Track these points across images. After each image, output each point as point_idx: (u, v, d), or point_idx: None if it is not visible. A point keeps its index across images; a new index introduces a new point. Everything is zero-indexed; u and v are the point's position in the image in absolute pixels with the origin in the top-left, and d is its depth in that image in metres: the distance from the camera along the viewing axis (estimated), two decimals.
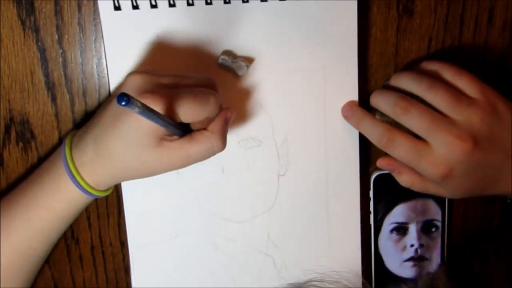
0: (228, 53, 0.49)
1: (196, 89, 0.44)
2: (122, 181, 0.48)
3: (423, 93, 0.48)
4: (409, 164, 0.48)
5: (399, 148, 0.48)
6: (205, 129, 0.45)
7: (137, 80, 0.43)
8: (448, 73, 0.49)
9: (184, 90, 0.43)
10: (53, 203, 0.46)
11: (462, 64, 0.54)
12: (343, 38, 0.51)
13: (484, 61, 0.55)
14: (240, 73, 0.49)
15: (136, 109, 0.36)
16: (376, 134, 0.49)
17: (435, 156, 0.47)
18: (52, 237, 0.48)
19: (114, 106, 0.44)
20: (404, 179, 0.51)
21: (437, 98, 0.47)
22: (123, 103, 0.34)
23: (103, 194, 0.47)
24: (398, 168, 0.51)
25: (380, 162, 0.52)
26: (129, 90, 0.42)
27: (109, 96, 0.49)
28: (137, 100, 0.36)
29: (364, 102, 0.54)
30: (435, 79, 0.49)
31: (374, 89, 0.54)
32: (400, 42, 0.53)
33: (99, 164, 0.44)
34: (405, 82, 0.50)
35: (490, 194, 0.50)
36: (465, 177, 0.48)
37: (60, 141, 0.51)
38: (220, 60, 0.49)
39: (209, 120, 0.45)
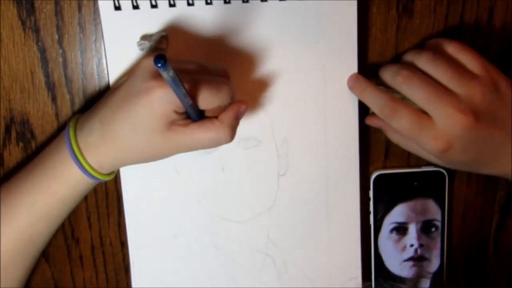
0: (144, 38, 0.48)
1: (211, 76, 0.44)
2: (126, 165, 0.48)
3: (425, 65, 0.48)
4: (409, 136, 0.48)
5: (401, 119, 0.47)
6: (216, 118, 0.45)
7: (149, 63, 0.43)
8: (451, 48, 0.49)
9: (199, 76, 0.44)
10: (56, 187, 0.46)
11: None
12: (343, 38, 0.51)
13: None
14: (160, 45, 0.48)
15: (171, 73, 0.37)
16: (379, 104, 0.48)
17: (436, 130, 0.46)
18: (55, 222, 0.48)
19: (126, 88, 0.44)
20: (391, 136, 0.52)
21: (438, 71, 0.47)
22: (159, 64, 0.36)
23: (105, 178, 0.47)
24: (385, 125, 0.51)
25: (368, 120, 0.53)
26: (145, 72, 0.43)
27: (118, 79, 0.49)
28: (170, 66, 0.37)
29: (362, 102, 0.54)
30: (437, 52, 0.49)
31: None
32: (400, 42, 0.53)
33: (104, 145, 0.44)
34: (408, 56, 0.50)
35: (486, 172, 0.50)
36: (463, 152, 0.47)
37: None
38: (139, 47, 0.48)
39: (221, 109, 0.45)
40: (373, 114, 0.51)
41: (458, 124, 0.46)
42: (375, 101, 0.49)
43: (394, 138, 0.52)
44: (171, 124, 0.43)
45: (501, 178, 0.58)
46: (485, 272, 0.62)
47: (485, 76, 0.47)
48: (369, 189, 0.56)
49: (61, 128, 0.51)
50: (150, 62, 0.43)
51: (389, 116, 0.48)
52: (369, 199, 0.56)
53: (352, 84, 0.52)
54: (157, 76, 0.42)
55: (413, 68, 0.48)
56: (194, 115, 0.44)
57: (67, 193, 0.46)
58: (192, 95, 0.42)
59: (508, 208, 0.59)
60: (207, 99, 0.43)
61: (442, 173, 0.56)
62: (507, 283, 0.62)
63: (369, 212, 0.57)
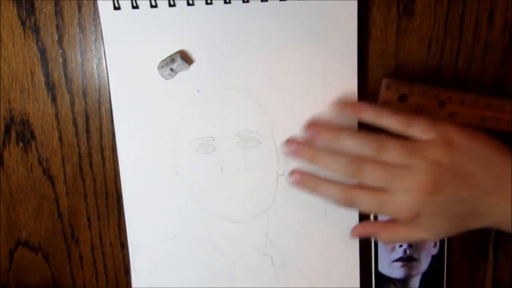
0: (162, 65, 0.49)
1: None
2: None
3: (376, 154, 0.47)
4: (379, 213, 0.49)
5: (362, 204, 0.48)
6: None
7: None
8: (397, 124, 0.48)
9: None
10: None
11: (462, 64, 0.54)
12: (343, 38, 0.51)
13: (484, 61, 0.55)
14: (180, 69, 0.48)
15: None
16: (336, 195, 0.49)
17: (398, 202, 0.46)
18: None
19: None
20: (384, 238, 0.52)
21: (390, 155, 0.46)
22: None
23: None
24: (373, 231, 0.52)
25: (354, 233, 0.54)
26: None
27: None
28: None
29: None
30: (381, 136, 0.48)
31: (374, 89, 0.54)
32: (400, 42, 0.53)
33: None
34: (353, 145, 0.48)
35: (476, 227, 0.48)
36: (435, 217, 0.47)
37: (60, 141, 0.51)
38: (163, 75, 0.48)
39: None
40: (357, 225, 0.54)
41: (417, 195, 0.45)
42: (331, 194, 0.49)
43: (387, 238, 0.52)
44: None
45: None
46: (485, 272, 0.61)
47: (438, 139, 0.46)
48: None
49: (61, 128, 0.51)
50: None
51: (348, 205, 0.49)
52: None
53: (300, 181, 0.51)
54: None
55: (358, 157, 0.47)
56: None
57: None
58: None
59: None
60: None
61: None
62: (507, 283, 0.62)
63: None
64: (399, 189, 0.46)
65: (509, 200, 0.46)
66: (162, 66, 0.48)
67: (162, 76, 0.48)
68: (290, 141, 0.51)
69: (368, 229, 0.53)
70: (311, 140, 0.50)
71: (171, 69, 0.48)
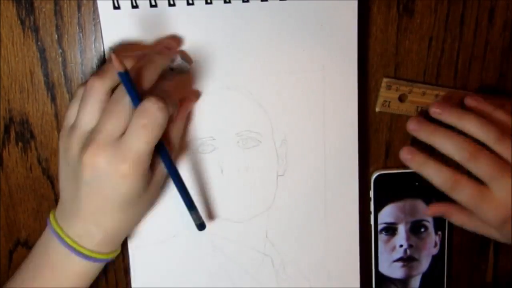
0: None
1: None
2: (124, 236, 0.47)
3: (493, 143, 0.47)
4: (470, 207, 0.49)
5: (462, 192, 0.48)
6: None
7: (75, 141, 0.43)
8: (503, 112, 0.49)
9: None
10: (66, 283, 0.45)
11: (462, 64, 0.54)
12: (343, 38, 0.51)
13: (485, 61, 0.55)
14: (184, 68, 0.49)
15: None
16: (441, 178, 0.49)
17: (496, 199, 0.47)
18: None
19: (88, 178, 0.42)
20: (455, 220, 0.52)
21: (505, 149, 0.47)
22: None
23: (111, 256, 0.46)
24: (447, 211, 0.52)
25: (430, 211, 0.54)
26: (73, 153, 0.43)
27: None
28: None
29: (363, 101, 0.54)
30: (505, 127, 0.48)
31: (374, 89, 0.54)
32: (401, 42, 0.53)
33: (94, 232, 0.44)
34: (475, 129, 0.48)
35: None
36: None
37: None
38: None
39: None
40: (432, 204, 0.53)
41: None
42: (437, 175, 0.49)
43: (458, 220, 0.52)
44: (147, 181, 0.43)
45: None
46: (485, 272, 0.61)
47: None
48: (369, 189, 0.56)
49: (60, 128, 0.51)
50: (65, 139, 0.43)
51: (450, 189, 0.49)
52: (369, 199, 0.56)
53: (408, 157, 0.51)
54: (85, 147, 0.41)
55: (476, 144, 0.48)
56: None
57: (78, 283, 0.45)
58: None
59: None
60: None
61: None
62: (507, 283, 0.62)
63: (370, 212, 0.56)
64: (501, 186, 0.47)
65: None
66: None
67: None
68: (412, 118, 0.51)
69: (443, 208, 0.52)
70: (435, 117, 0.50)
71: (171, 69, 0.48)
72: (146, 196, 0.44)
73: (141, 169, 0.41)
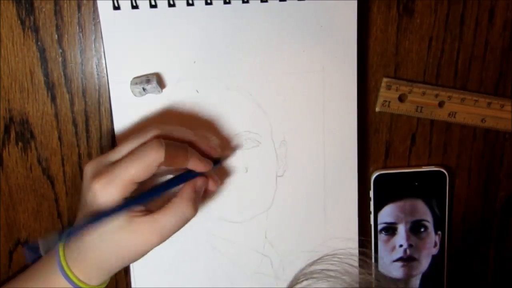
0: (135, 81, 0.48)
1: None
2: (111, 272, 0.47)
3: None
4: None
5: None
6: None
7: (89, 167, 0.44)
8: None
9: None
10: None
11: (462, 64, 0.54)
12: (343, 38, 0.51)
13: (485, 61, 0.55)
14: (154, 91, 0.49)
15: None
16: None
17: None
18: None
19: (81, 200, 0.44)
20: None
21: None
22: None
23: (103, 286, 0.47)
24: None
25: None
26: (86, 178, 0.44)
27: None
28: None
29: (363, 101, 0.54)
30: None
31: (374, 90, 0.54)
32: (401, 42, 0.53)
33: (84, 258, 0.44)
34: None
35: None
36: None
37: (60, 141, 0.51)
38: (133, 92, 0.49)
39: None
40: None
41: None
42: None
43: None
44: (131, 217, 0.43)
45: (502, 178, 0.58)
46: (485, 272, 0.61)
47: None
48: (369, 189, 0.56)
49: (60, 128, 0.51)
50: (88, 167, 0.44)
51: None
52: (369, 199, 0.56)
53: None
54: (94, 177, 0.42)
55: None
56: (145, 200, 0.44)
57: None
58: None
59: (509, 209, 0.59)
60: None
61: (443, 173, 0.56)
62: (507, 283, 0.62)
63: (370, 212, 0.56)
64: None
65: None
66: (136, 83, 0.48)
67: (133, 92, 0.48)
68: None
69: None
70: None
71: (144, 88, 0.48)
72: (131, 233, 0.44)
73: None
